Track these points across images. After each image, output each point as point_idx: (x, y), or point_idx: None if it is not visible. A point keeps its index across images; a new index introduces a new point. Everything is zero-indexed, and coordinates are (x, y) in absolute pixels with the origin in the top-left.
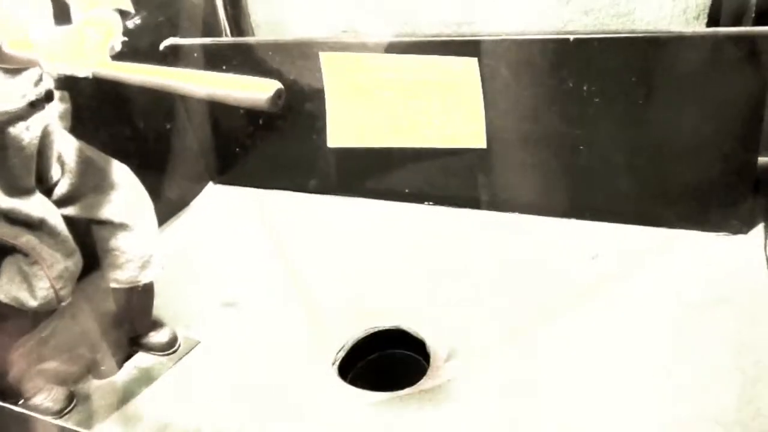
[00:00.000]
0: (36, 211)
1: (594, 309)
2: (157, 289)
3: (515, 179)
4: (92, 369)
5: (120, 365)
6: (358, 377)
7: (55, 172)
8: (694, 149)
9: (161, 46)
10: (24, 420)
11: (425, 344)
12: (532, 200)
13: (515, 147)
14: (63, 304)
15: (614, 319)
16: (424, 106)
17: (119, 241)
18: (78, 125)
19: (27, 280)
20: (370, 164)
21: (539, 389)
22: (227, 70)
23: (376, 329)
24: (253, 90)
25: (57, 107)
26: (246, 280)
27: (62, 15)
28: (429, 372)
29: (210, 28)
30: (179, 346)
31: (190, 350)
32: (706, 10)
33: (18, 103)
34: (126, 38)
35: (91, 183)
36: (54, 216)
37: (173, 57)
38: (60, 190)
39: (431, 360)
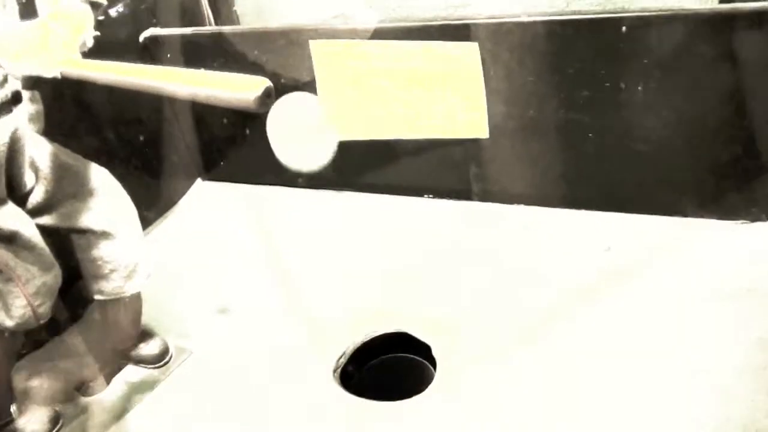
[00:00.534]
0: (8, 224)
1: (610, 303)
2: (145, 296)
3: (521, 170)
4: (79, 386)
5: (108, 381)
6: (361, 384)
7: (28, 179)
8: (711, 133)
9: (141, 38)
10: None
11: (430, 348)
12: (539, 192)
13: (519, 136)
14: (42, 321)
15: (631, 314)
16: (421, 95)
17: (102, 251)
18: (51, 127)
19: (2, 298)
20: (365, 157)
21: (556, 391)
22: (211, 62)
23: (378, 333)
24: (240, 89)
25: (26, 109)
26: (239, 284)
27: (29, 10)
28: (437, 377)
29: (192, 17)
30: (171, 357)
31: (183, 361)
32: None
33: None
34: (98, 33)
35: (68, 189)
36: (28, 227)
37: (154, 49)
38: (34, 199)
39: (438, 364)
